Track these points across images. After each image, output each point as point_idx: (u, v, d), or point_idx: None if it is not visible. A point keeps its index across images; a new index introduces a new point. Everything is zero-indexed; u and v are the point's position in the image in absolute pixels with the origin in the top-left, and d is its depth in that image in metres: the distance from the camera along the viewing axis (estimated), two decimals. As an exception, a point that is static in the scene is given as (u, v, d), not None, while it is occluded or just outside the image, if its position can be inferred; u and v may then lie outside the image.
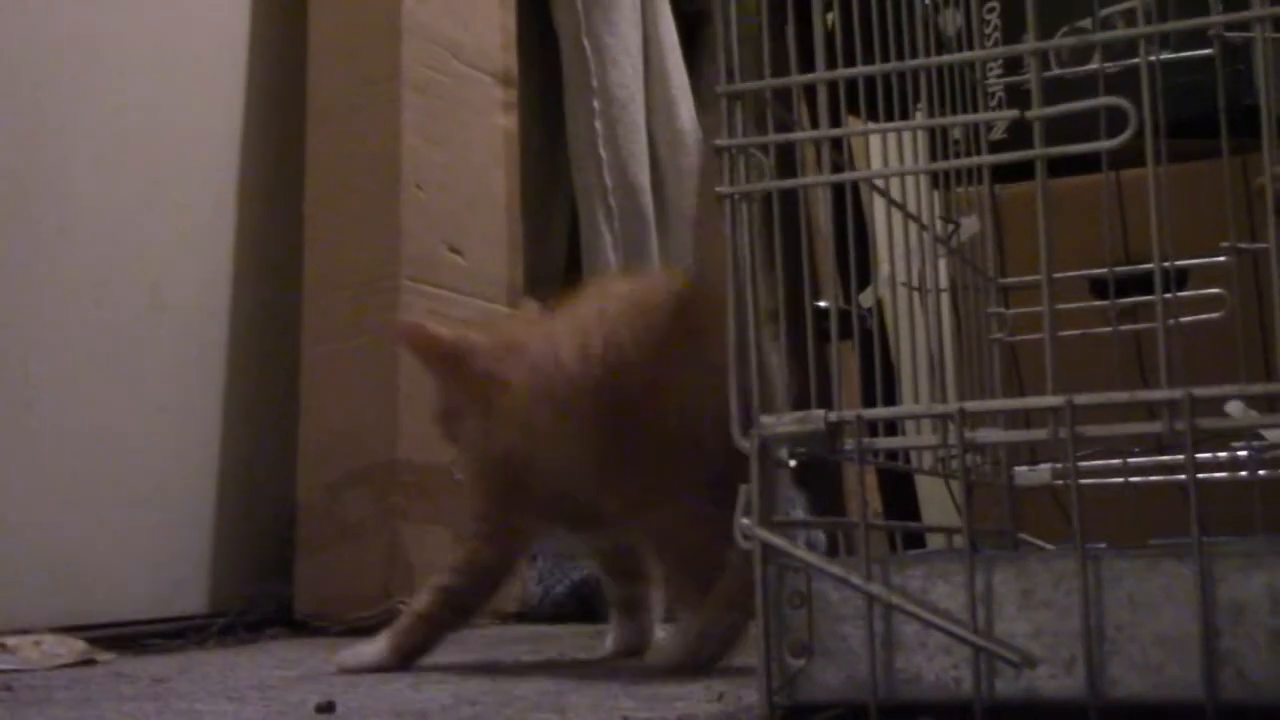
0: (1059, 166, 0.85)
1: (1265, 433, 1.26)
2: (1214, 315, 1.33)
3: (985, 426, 1.19)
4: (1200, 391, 0.74)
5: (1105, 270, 1.38)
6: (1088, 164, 1.79)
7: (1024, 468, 1.37)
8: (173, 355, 1.74)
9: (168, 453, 1.73)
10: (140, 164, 1.71)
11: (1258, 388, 0.74)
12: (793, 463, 0.81)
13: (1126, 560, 0.77)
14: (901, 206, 1.10)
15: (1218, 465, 1.30)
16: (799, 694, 0.81)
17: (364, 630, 1.69)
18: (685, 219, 2.26)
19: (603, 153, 2.22)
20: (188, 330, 1.77)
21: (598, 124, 2.22)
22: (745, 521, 0.81)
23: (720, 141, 0.84)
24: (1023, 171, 1.87)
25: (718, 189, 0.84)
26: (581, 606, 1.85)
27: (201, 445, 1.79)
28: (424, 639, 1.26)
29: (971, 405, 0.78)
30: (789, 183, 0.85)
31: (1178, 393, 0.74)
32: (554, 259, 2.37)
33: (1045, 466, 1.37)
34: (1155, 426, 0.75)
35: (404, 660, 1.25)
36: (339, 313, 1.80)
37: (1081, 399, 0.76)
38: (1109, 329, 1.38)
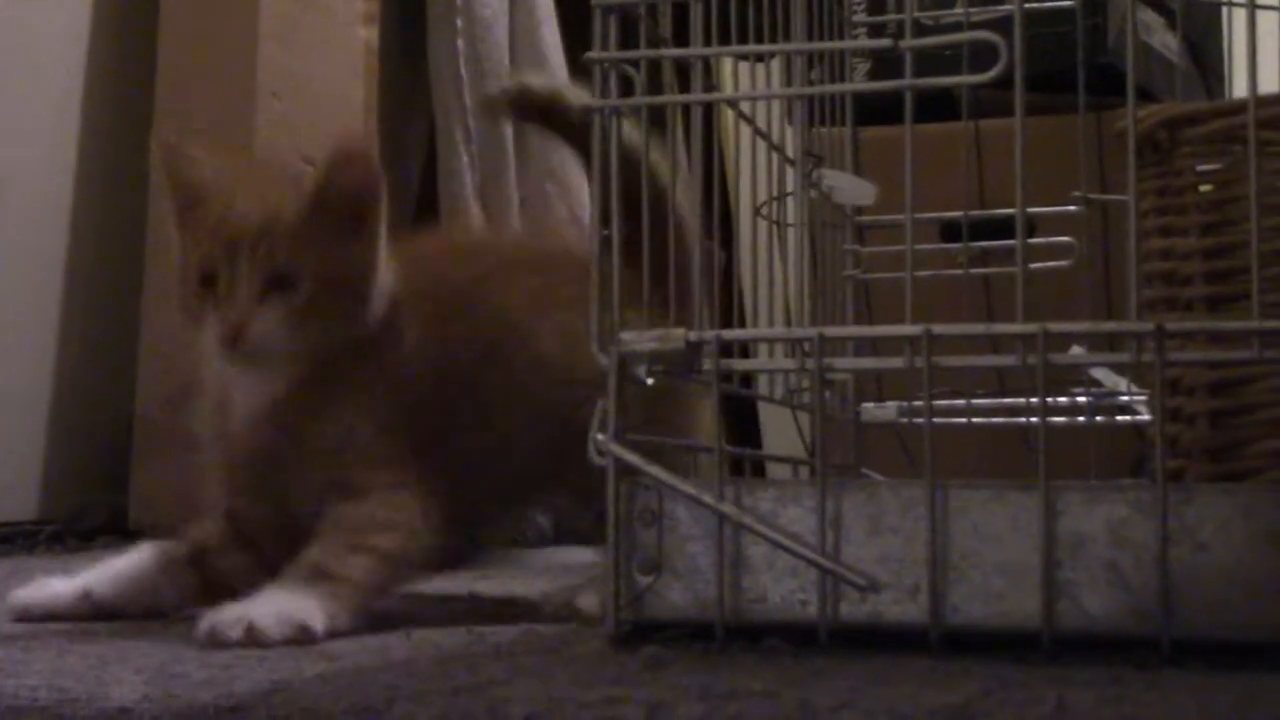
0: (919, 114, 0.85)
1: (1101, 378, 1.29)
2: (1063, 263, 1.36)
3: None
4: (1055, 327, 0.75)
5: (960, 214, 1.39)
6: (946, 112, 1.81)
7: (870, 404, 1.39)
8: (10, 250, 1.69)
9: None
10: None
11: (1109, 325, 0.75)
12: (649, 380, 0.81)
13: (973, 490, 0.78)
14: (766, 136, 1.10)
15: (1058, 410, 1.33)
16: (645, 612, 0.82)
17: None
18: (544, 141, 2.24)
19: (464, 72, 2.18)
20: (27, 233, 1.72)
21: (460, 42, 2.19)
22: (600, 437, 0.81)
23: (592, 55, 0.83)
24: (883, 116, 1.89)
25: (586, 102, 0.83)
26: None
27: (35, 351, 1.74)
28: None
29: (831, 331, 0.78)
30: (660, 99, 0.84)
31: (1033, 327, 0.75)
32: (410, 177, 2.33)
33: (891, 404, 1.39)
34: (1010, 360, 0.76)
35: None
36: (186, 219, 1.75)
37: (939, 329, 0.76)
38: (960, 271, 1.40)
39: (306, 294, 0.92)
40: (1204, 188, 0.81)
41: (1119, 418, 1.34)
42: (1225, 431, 0.82)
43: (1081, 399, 1.33)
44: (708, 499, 0.79)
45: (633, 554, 0.81)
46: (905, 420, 1.36)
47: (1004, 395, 1.39)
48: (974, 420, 1.37)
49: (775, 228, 1.27)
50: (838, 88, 1.02)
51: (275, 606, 0.85)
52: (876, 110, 1.85)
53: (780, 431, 2.06)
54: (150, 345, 1.74)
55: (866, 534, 0.79)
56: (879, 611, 0.78)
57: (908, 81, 0.80)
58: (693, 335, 0.80)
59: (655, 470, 0.80)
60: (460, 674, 0.73)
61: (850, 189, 1.26)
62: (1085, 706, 0.63)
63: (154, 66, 1.80)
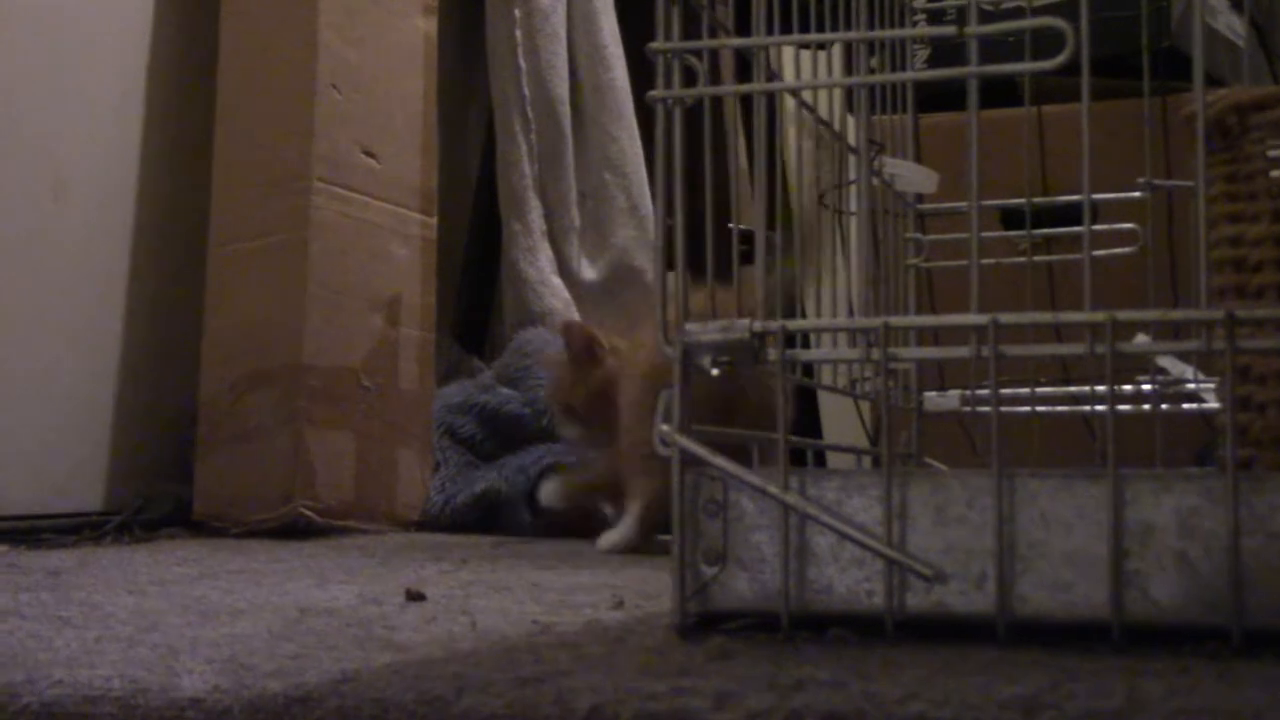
0: (979, 100, 0.85)
1: (1167, 365, 1.28)
2: (1128, 249, 1.35)
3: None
4: (1123, 315, 0.75)
5: (1023, 201, 1.39)
6: (1007, 98, 1.80)
7: (933, 393, 1.38)
8: (75, 247, 1.71)
9: (65, 347, 1.70)
10: (41, 48, 1.66)
11: (1178, 313, 0.75)
12: (715, 371, 0.81)
13: (1040, 480, 0.77)
14: (828, 125, 1.10)
15: (1124, 399, 1.32)
16: (711, 602, 0.82)
17: (264, 533, 1.68)
18: (603, 132, 2.24)
19: (522, 62, 2.19)
20: (91, 222, 1.74)
21: (518, 33, 2.19)
22: (665, 428, 0.81)
23: (656, 45, 0.83)
24: (943, 102, 1.88)
25: (650, 94, 0.83)
26: (484, 517, 1.84)
27: (101, 341, 1.76)
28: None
29: (895, 320, 0.78)
30: (723, 89, 0.84)
31: (1101, 316, 0.75)
32: (468, 168, 2.35)
33: (954, 393, 1.38)
34: (1078, 348, 0.76)
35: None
36: (248, 211, 1.77)
37: (1005, 318, 0.76)
38: (1023, 259, 1.39)
39: None
40: (1275, 173, 0.80)
41: (1185, 406, 1.33)
42: (1297, 421, 0.81)
43: (1147, 387, 1.32)
44: (772, 489, 0.79)
45: (698, 545, 0.81)
46: (968, 409, 1.36)
47: (1068, 383, 1.38)
48: (1038, 410, 1.37)
49: (838, 216, 1.27)
50: (900, 76, 1.02)
51: None
52: (936, 96, 1.85)
53: (839, 421, 2.06)
54: (213, 337, 1.76)
55: (932, 524, 0.78)
56: (945, 602, 0.78)
57: (973, 70, 0.80)
58: (757, 325, 0.80)
59: (720, 460, 0.80)
60: (526, 664, 0.74)
61: (912, 177, 1.26)
62: (1155, 697, 0.62)
63: (215, 60, 1.82)
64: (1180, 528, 0.75)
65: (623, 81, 2.28)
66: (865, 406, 1.33)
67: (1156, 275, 1.36)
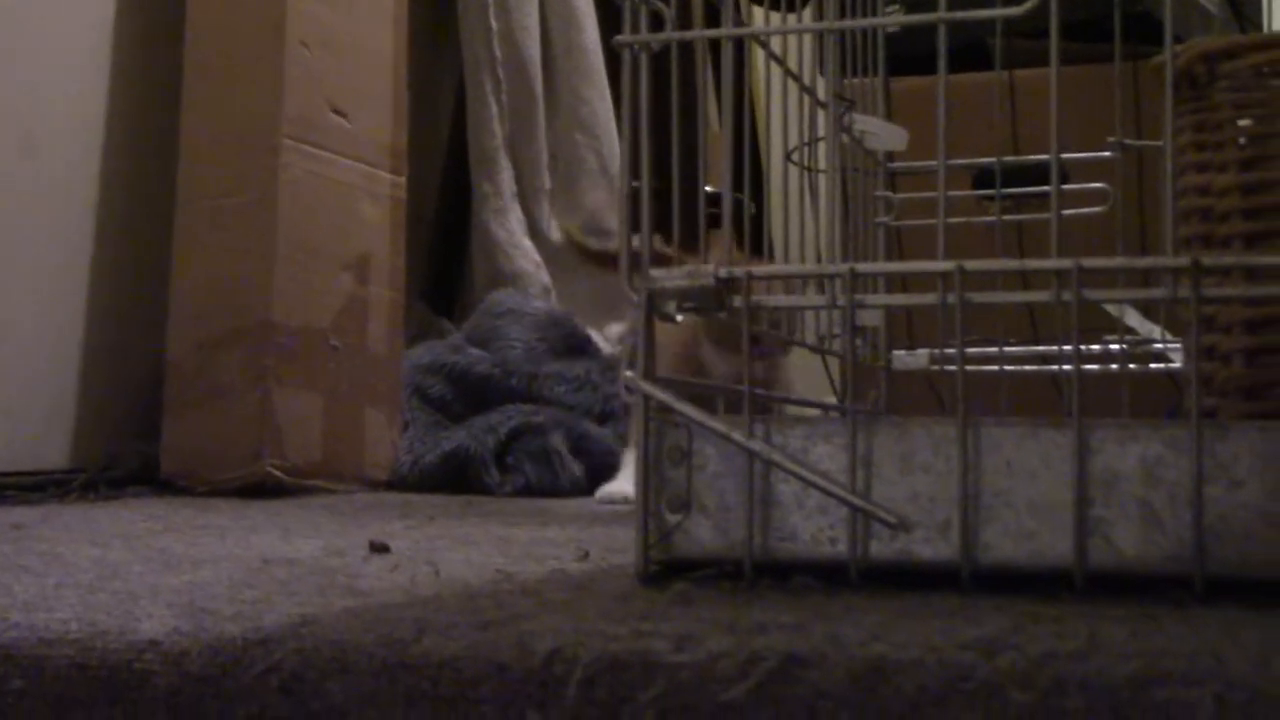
0: (951, 65, 0.85)
1: (1135, 325, 1.28)
2: (1097, 209, 1.34)
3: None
4: (1089, 262, 0.74)
5: (993, 160, 1.38)
6: (979, 64, 1.80)
7: (901, 352, 1.38)
8: (43, 203, 1.69)
9: (32, 304, 1.69)
10: (6, 4, 1.64)
11: (1145, 260, 0.74)
12: (679, 318, 0.81)
13: (1006, 428, 0.77)
14: (797, 78, 1.09)
15: (1091, 358, 1.32)
16: (674, 550, 0.81)
17: (231, 492, 1.67)
18: (574, 94, 2.23)
19: (493, 22, 2.18)
20: (59, 178, 1.72)
21: (489, -8, 2.18)
22: (630, 374, 0.80)
23: (622, -11, 0.82)
24: (913, 66, 1.88)
25: (617, 38, 0.82)
26: (452, 477, 1.84)
27: (68, 300, 1.74)
28: None
29: (863, 266, 0.78)
30: (690, 34, 0.83)
31: (1067, 262, 0.74)
32: (439, 128, 2.33)
33: (923, 352, 1.38)
34: (1043, 295, 0.75)
35: None
36: (217, 168, 1.75)
37: (972, 264, 0.76)
38: (993, 218, 1.39)
39: None
40: (1242, 122, 0.80)
41: (1153, 365, 1.33)
42: (1261, 369, 0.81)
43: (1115, 347, 1.32)
44: (737, 436, 0.79)
45: (662, 492, 0.81)
46: (936, 368, 1.36)
47: (1037, 343, 1.38)
48: (1006, 368, 1.36)
49: (806, 174, 1.26)
50: (870, 21, 1.01)
51: None
52: (907, 61, 1.84)
53: (805, 380, 2.05)
54: (181, 295, 1.75)
55: (898, 472, 0.78)
56: (909, 550, 0.78)
57: (943, 15, 0.79)
58: (722, 271, 0.79)
59: (685, 407, 0.79)
60: (487, 609, 0.73)
61: (882, 134, 1.25)
62: (1117, 639, 0.62)
63: (184, 16, 1.80)
64: (1145, 476, 0.75)
65: (594, 43, 2.27)
66: (833, 365, 1.33)
67: (1125, 235, 1.35)
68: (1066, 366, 1.32)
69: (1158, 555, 0.75)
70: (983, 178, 1.60)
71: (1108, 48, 1.42)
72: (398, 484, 1.85)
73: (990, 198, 1.45)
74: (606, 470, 1.86)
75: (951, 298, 0.76)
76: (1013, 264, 0.76)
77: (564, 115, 2.23)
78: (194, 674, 0.68)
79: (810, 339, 1.15)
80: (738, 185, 0.88)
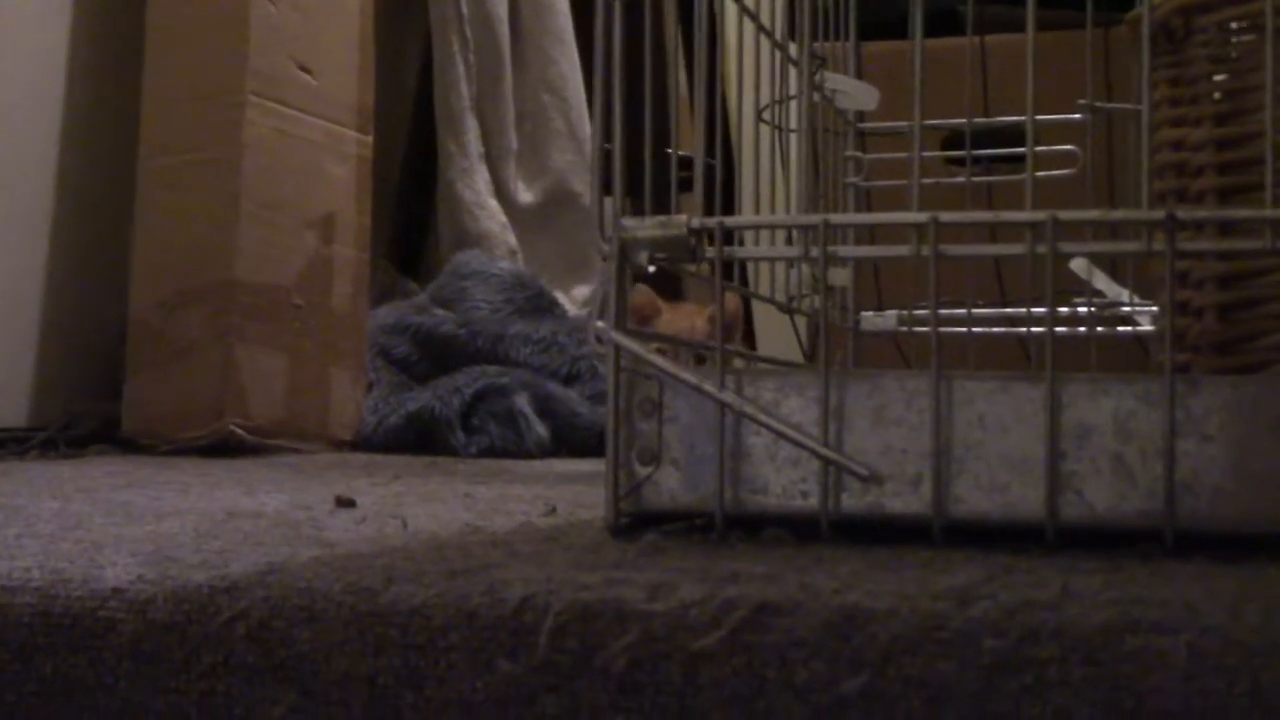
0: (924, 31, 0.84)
1: (1104, 288, 1.28)
2: (1068, 172, 1.34)
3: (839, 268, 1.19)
4: (1065, 215, 0.74)
5: (964, 121, 1.38)
6: (950, 29, 1.79)
7: (870, 313, 1.38)
8: (0, 161, 1.67)
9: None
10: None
11: (1119, 213, 0.74)
12: (651, 268, 0.80)
13: (978, 382, 0.77)
14: (769, 33, 1.08)
15: (1059, 321, 1.32)
16: (644, 503, 0.81)
17: (194, 451, 1.66)
18: (542, 54, 2.22)
19: (461, -20, 2.16)
20: (18, 131, 1.70)
21: (457, -51, 2.16)
22: (599, 324, 0.79)
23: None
24: (884, 32, 1.87)
25: (591, -15, 0.81)
26: (417, 437, 1.83)
27: (27, 257, 1.72)
28: None
29: (835, 217, 0.77)
30: (664, -17, 0.82)
31: (1041, 214, 0.74)
32: (405, 87, 2.31)
33: (891, 313, 1.38)
34: (1017, 248, 0.75)
35: None
36: (179, 124, 1.73)
37: (946, 216, 0.75)
38: (963, 180, 1.38)
39: None
40: (1218, 77, 0.80)
41: (1120, 329, 1.33)
42: (1234, 325, 0.81)
43: (1082, 310, 1.32)
44: (708, 387, 0.78)
45: (633, 444, 0.80)
46: (905, 329, 1.36)
47: (1005, 305, 1.38)
48: (975, 330, 1.36)
49: (777, 133, 1.26)
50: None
51: None
52: (879, 26, 1.84)
53: (774, 340, 2.06)
54: (143, 252, 1.73)
55: (870, 425, 0.78)
56: (880, 503, 0.78)
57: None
58: (695, 221, 0.79)
59: (656, 359, 0.79)
60: (456, 559, 0.73)
61: (854, 93, 1.25)
62: (1090, 590, 0.62)
63: (147, -35, 1.78)
64: (1117, 430, 0.75)
65: (563, 3, 2.25)
66: (801, 324, 1.32)
67: (1095, 196, 1.36)
68: (1035, 329, 1.32)
69: (1130, 510, 0.75)
70: (953, 141, 1.59)
71: (1078, 14, 1.42)
72: (362, 444, 1.84)
73: (961, 160, 1.44)
74: (572, 431, 1.86)
75: (925, 250, 0.76)
76: (986, 215, 0.75)
77: (532, 76, 2.21)
78: (159, 622, 0.67)
79: (780, 298, 1.15)
80: (710, 148, 0.87)
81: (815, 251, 0.77)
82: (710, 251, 0.79)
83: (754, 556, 0.72)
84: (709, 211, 0.82)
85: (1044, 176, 1.32)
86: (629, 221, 0.79)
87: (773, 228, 0.82)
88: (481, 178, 2.18)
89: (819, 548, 0.75)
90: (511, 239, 2.17)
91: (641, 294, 1.83)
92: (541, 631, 0.62)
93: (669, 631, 0.61)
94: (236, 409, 1.69)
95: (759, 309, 2.00)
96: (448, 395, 1.83)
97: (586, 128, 2.22)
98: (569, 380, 1.96)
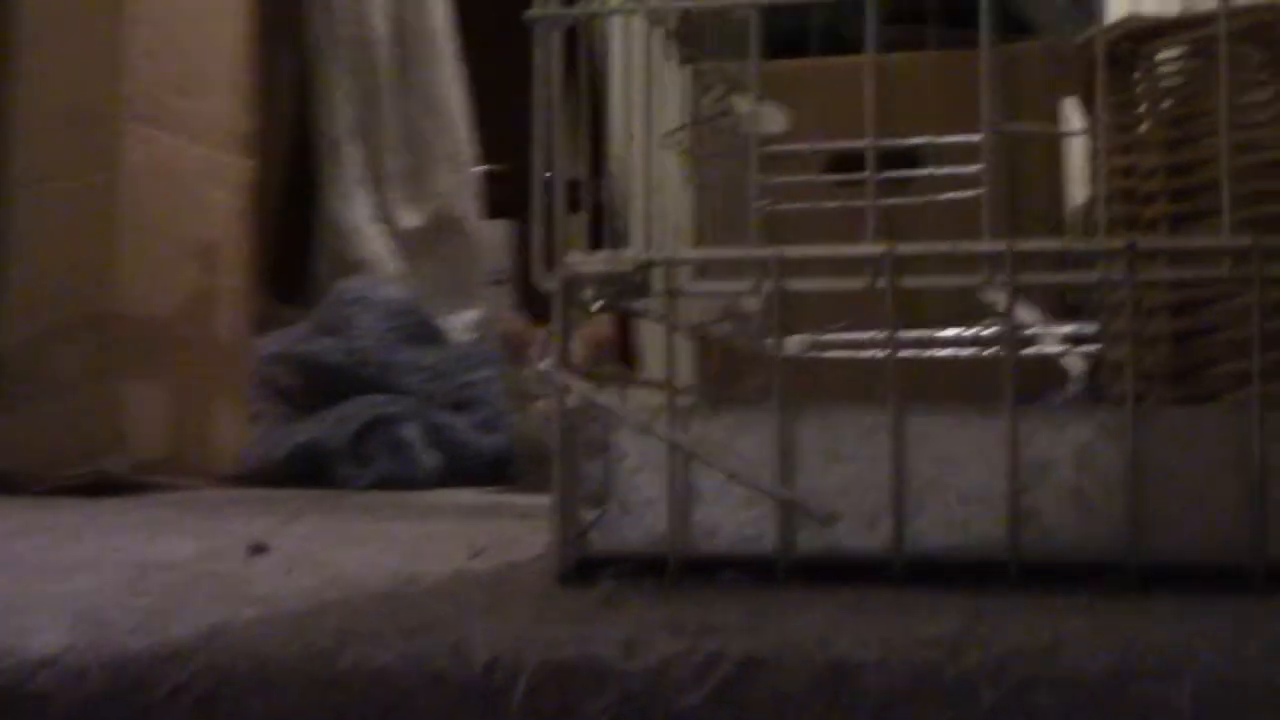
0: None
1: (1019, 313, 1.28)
2: (974, 193, 1.34)
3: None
4: (1024, 245, 0.73)
5: (866, 142, 1.37)
6: (852, 47, 1.79)
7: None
8: None
9: None
10: None
11: (1080, 244, 0.73)
12: (598, 304, 0.77)
13: (935, 416, 0.75)
14: (695, 59, 1.06)
15: (965, 342, 1.32)
16: (591, 547, 0.78)
17: (70, 490, 1.59)
18: (423, 77, 2.18)
19: (339, 2, 2.12)
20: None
21: (335, -29, 2.12)
22: (544, 365, 0.77)
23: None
24: (791, 50, 1.87)
25: (527, 13, 0.79)
26: (306, 470, 1.78)
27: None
28: None
29: (791, 251, 0.75)
30: (600, 11, 0.80)
31: (1001, 245, 0.73)
32: (281, 111, 2.26)
33: (799, 338, 1.36)
34: (976, 279, 0.74)
35: None
36: (54, 150, 1.66)
37: (905, 248, 0.73)
38: (866, 203, 1.37)
39: None
40: (1166, 104, 0.79)
41: (1026, 351, 1.33)
42: (1188, 354, 0.80)
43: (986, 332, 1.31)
44: (659, 428, 0.76)
45: (578, 487, 0.78)
46: (812, 354, 1.34)
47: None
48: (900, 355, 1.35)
49: (685, 158, 1.24)
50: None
51: None
52: (785, 44, 1.84)
53: (657, 361, 2.04)
54: (17, 284, 1.66)
55: (824, 462, 0.76)
56: (838, 542, 0.76)
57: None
58: (643, 256, 0.76)
59: (604, 398, 0.76)
60: (408, 615, 0.69)
61: (762, 116, 1.23)
62: (1080, 635, 0.60)
63: (16, -4, 1.71)
64: (1077, 463, 0.74)
65: (443, 25, 2.21)
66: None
67: (997, 220, 1.35)
68: (946, 351, 1.32)
69: (1091, 543, 0.73)
70: (836, 163, 1.58)
71: (973, 34, 1.42)
72: (248, 478, 1.78)
73: (858, 183, 1.43)
74: (462, 461, 1.83)
75: (882, 282, 0.74)
76: (944, 247, 0.74)
77: (416, 98, 2.17)
78: (97, 693, 0.63)
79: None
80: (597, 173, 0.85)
81: (768, 285, 0.75)
82: (658, 287, 0.77)
83: (720, 604, 0.70)
84: (606, 245, 0.80)
85: (950, 199, 1.32)
86: (574, 257, 0.76)
87: (730, 258, 0.80)
88: (361, 202, 2.13)
89: (780, 591, 0.73)
90: (394, 264, 2.12)
91: (510, 322, 1.86)
92: (515, 693, 0.59)
93: (650, 690, 0.59)
94: (116, 446, 1.63)
95: (645, 329, 1.99)
96: (336, 426, 1.79)
97: (469, 152, 2.19)
98: (458, 408, 1.92)
